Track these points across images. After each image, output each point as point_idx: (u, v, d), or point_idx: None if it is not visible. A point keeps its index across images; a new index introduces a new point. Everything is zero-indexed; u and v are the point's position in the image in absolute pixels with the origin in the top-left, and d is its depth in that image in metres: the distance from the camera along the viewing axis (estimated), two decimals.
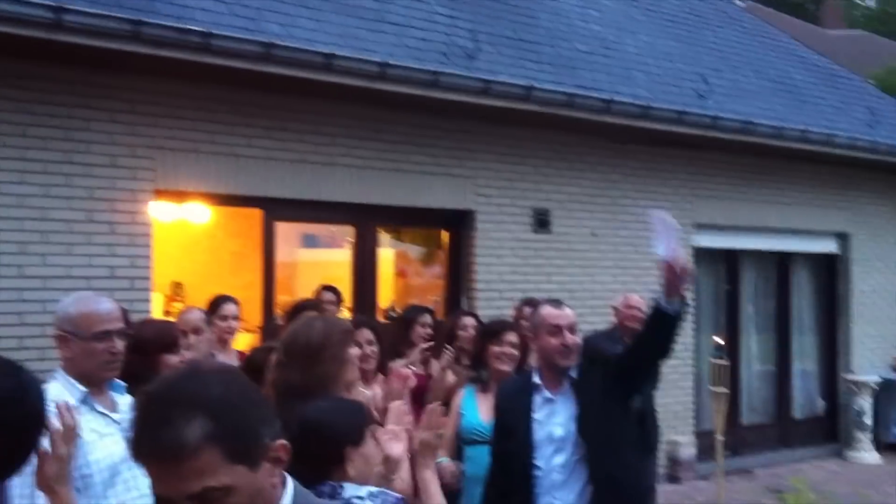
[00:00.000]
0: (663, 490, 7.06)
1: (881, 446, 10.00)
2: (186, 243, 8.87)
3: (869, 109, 9.85)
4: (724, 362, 7.05)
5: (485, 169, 7.48)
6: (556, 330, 3.46)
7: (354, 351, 2.98)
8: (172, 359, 3.39)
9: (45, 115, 5.51)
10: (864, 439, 9.93)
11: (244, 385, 1.58)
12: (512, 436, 3.57)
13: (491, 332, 4.71)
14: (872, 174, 10.18)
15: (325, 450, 2.38)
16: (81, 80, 5.63)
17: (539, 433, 3.49)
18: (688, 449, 8.61)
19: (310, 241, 9.57)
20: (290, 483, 1.67)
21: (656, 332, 3.38)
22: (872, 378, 9.99)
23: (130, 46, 5.27)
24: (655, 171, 8.58)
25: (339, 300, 6.21)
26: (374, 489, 2.36)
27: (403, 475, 2.78)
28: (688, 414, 8.67)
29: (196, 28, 5.40)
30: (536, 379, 3.58)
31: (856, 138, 9.19)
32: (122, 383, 2.87)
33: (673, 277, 3.24)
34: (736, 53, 9.95)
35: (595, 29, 8.63)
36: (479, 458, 4.30)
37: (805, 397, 10.37)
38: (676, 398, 8.38)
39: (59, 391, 2.63)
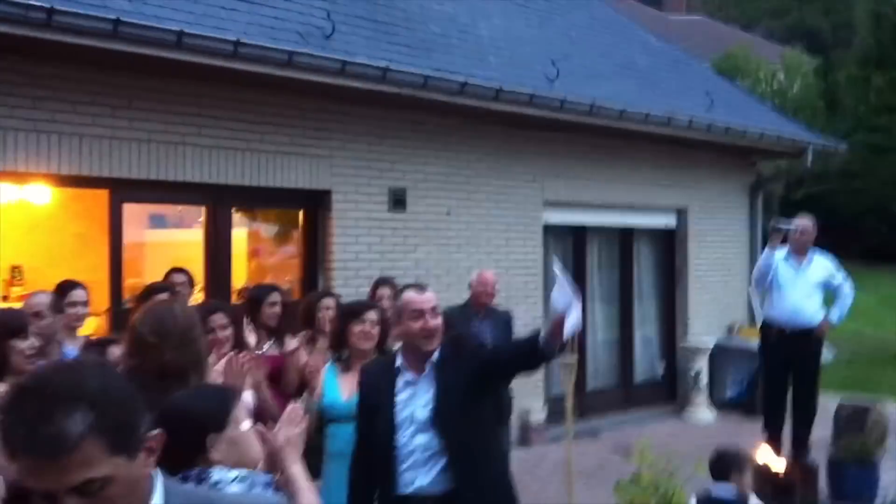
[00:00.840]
0: (516, 454, 7.35)
1: (716, 406, 10.62)
2: (27, 225, 8.48)
3: (706, 92, 10.44)
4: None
5: (342, 149, 7.50)
6: (419, 314, 3.51)
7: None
8: (21, 344, 3.32)
9: None
10: (700, 400, 10.54)
11: (119, 377, 1.61)
12: (375, 416, 3.63)
13: (352, 311, 4.75)
14: (708, 153, 10.80)
15: (188, 437, 2.41)
16: None
17: (401, 414, 3.57)
18: (539, 414, 9.00)
19: (158, 222, 9.30)
20: (159, 472, 1.72)
21: (528, 359, 3.50)
22: (707, 343, 10.63)
23: None
24: (508, 151, 8.83)
25: (190, 282, 6.13)
26: (243, 472, 2.41)
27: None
28: (538, 381, 9.03)
29: (38, 3, 5.15)
30: (399, 361, 3.64)
31: (693, 119, 9.72)
32: None
33: (560, 331, 3.28)
34: (584, 38, 10.32)
35: (449, 12, 8.77)
36: (341, 436, 4.38)
37: (647, 362, 10.95)
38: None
39: None
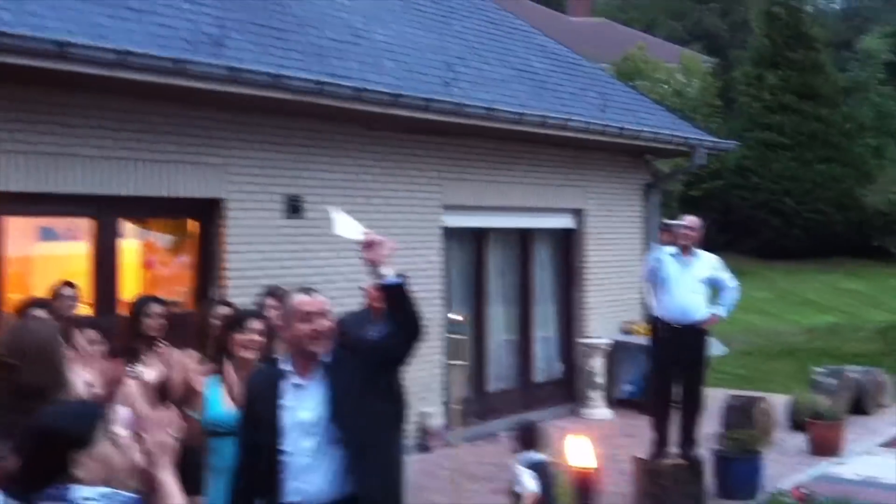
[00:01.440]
0: (415, 459, 7.41)
1: (613, 403, 10.87)
2: None
3: (601, 95, 10.69)
4: (462, 337, 7.46)
5: (236, 157, 7.43)
6: (307, 316, 3.49)
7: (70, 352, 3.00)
8: None
9: None
10: (597, 397, 10.73)
11: None
12: (260, 424, 3.58)
13: (235, 320, 4.71)
14: (604, 155, 11.05)
15: (50, 454, 2.42)
16: None
17: (287, 419, 3.52)
18: (437, 419, 9.08)
19: (48, 235, 9.04)
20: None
21: (395, 308, 3.55)
22: (604, 341, 10.83)
23: None
24: (406, 156, 8.88)
25: (77, 296, 6.02)
26: (106, 490, 2.40)
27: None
28: (437, 385, 9.10)
29: None
30: (285, 366, 3.58)
31: (589, 122, 9.92)
32: None
33: (374, 253, 3.50)
34: (481, 43, 10.44)
35: (345, 17, 8.76)
36: (223, 450, 4.35)
37: (545, 362, 11.05)
38: (427, 371, 8.75)
39: None
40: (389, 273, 3.54)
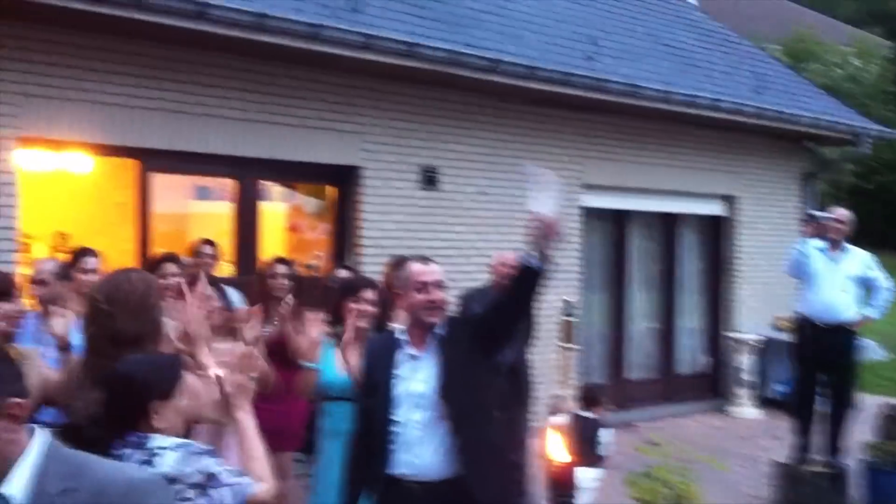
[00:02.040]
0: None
1: (762, 402, 10.33)
2: (70, 193, 8.66)
3: (756, 75, 10.11)
4: (573, 319, 7.26)
5: (372, 125, 7.46)
6: (422, 286, 3.43)
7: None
8: (5, 306, 3.38)
9: None
10: (744, 395, 10.27)
11: None
12: (374, 392, 3.55)
13: (349, 288, 4.73)
14: (758, 139, 10.47)
15: (131, 402, 2.47)
16: None
17: (399, 389, 3.46)
18: (567, 402, 8.85)
19: (203, 194, 9.43)
20: (41, 437, 1.71)
21: (517, 287, 3.43)
22: (753, 336, 10.33)
23: None
24: (545, 131, 8.67)
25: (217, 254, 6.18)
26: (181, 440, 2.45)
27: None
28: (570, 365, 8.86)
29: None
30: (401, 335, 3.54)
31: (741, 104, 9.42)
32: None
33: (541, 234, 3.30)
34: (627, 15, 10.06)
35: None
36: (338, 414, 4.39)
37: (689, 354, 10.69)
38: (558, 353, 8.57)
39: None
40: (538, 259, 3.35)
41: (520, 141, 8.48)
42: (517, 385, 6.09)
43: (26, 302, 4.27)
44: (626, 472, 5.91)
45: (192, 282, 4.58)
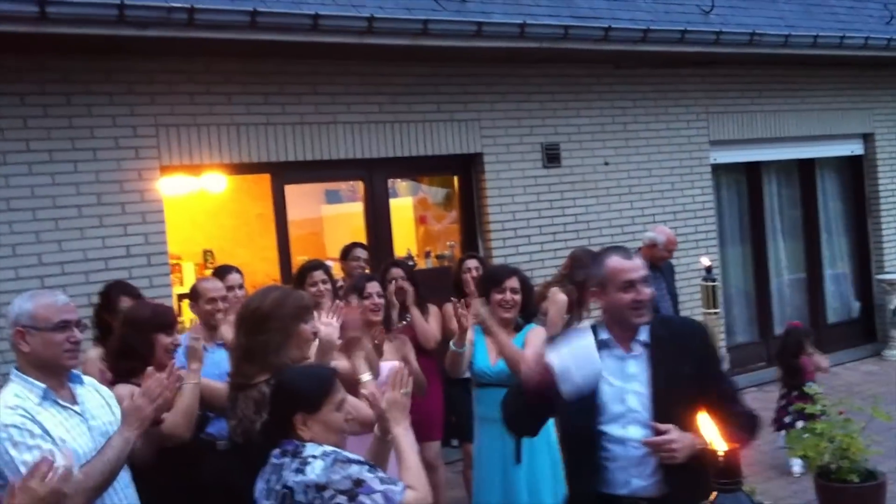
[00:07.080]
0: None
1: None
2: (210, 212, 9.07)
3: (884, 5, 9.56)
4: (715, 283, 7.00)
5: (489, 110, 7.48)
6: (629, 285, 2.97)
7: (309, 327, 3.09)
8: (165, 339, 3.54)
9: (43, 105, 5.66)
10: None
11: None
12: (577, 398, 2.87)
13: (492, 278, 4.78)
14: (892, 71, 9.92)
15: (281, 412, 2.64)
16: (77, 67, 5.76)
17: (610, 397, 2.96)
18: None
19: (333, 197, 9.71)
20: None
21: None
22: None
23: (116, 30, 5.35)
24: (665, 92, 8.49)
25: (367, 257, 6.12)
26: (329, 449, 2.56)
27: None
28: (716, 331, 8.68)
29: (179, 5, 5.45)
30: (604, 334, 3.03)
31: (870, 38, 8.94)
32: (80, 373, 2.95)
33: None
34: None
35: None
36: (489, 400, 4.46)
37: (839, 301, 10.33)
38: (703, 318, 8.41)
39: (19, 391, 2.71)
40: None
41: (640, 106, 8.34)
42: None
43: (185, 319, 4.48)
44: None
45: (348, 287, 4.76)
